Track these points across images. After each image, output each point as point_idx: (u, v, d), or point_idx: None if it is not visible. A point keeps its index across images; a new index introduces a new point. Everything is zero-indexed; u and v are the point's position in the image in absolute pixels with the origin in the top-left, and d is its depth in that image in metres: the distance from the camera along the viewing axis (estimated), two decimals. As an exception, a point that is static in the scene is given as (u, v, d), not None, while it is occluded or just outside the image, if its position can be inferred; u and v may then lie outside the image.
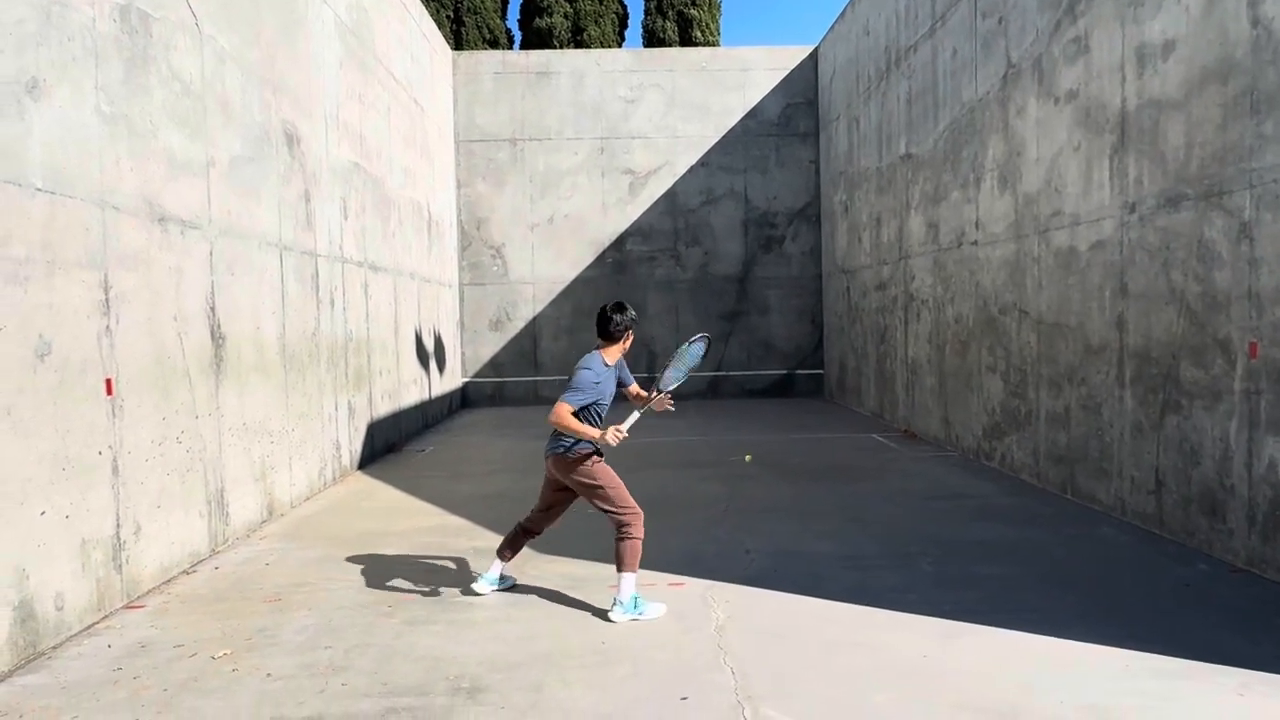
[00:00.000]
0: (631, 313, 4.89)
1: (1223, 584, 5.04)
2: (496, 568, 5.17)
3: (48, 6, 4.51)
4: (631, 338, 4.93)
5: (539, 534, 5.18)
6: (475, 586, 5.14)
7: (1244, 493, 5.27)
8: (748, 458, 6.88)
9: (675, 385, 4.94)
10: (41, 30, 4.46)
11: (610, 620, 4.62)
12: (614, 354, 4.87)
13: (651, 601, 4.76)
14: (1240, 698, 3.61)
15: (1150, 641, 4.18)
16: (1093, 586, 5.05)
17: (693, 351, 5.01)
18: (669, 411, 4.97)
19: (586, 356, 4.85)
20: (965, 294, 9.39)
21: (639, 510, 4.76)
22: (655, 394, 4.87)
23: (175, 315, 5.69)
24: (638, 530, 4.72)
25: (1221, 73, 5.41)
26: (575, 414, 4.64)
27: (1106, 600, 4.81)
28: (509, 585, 5.21)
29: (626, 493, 4.77)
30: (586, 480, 4.75)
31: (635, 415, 4.82)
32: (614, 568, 4.75)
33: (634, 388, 4.99)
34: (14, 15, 4.26)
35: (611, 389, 4.85)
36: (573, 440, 4.71)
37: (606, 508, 4.75)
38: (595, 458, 4.76)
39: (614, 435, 4.56)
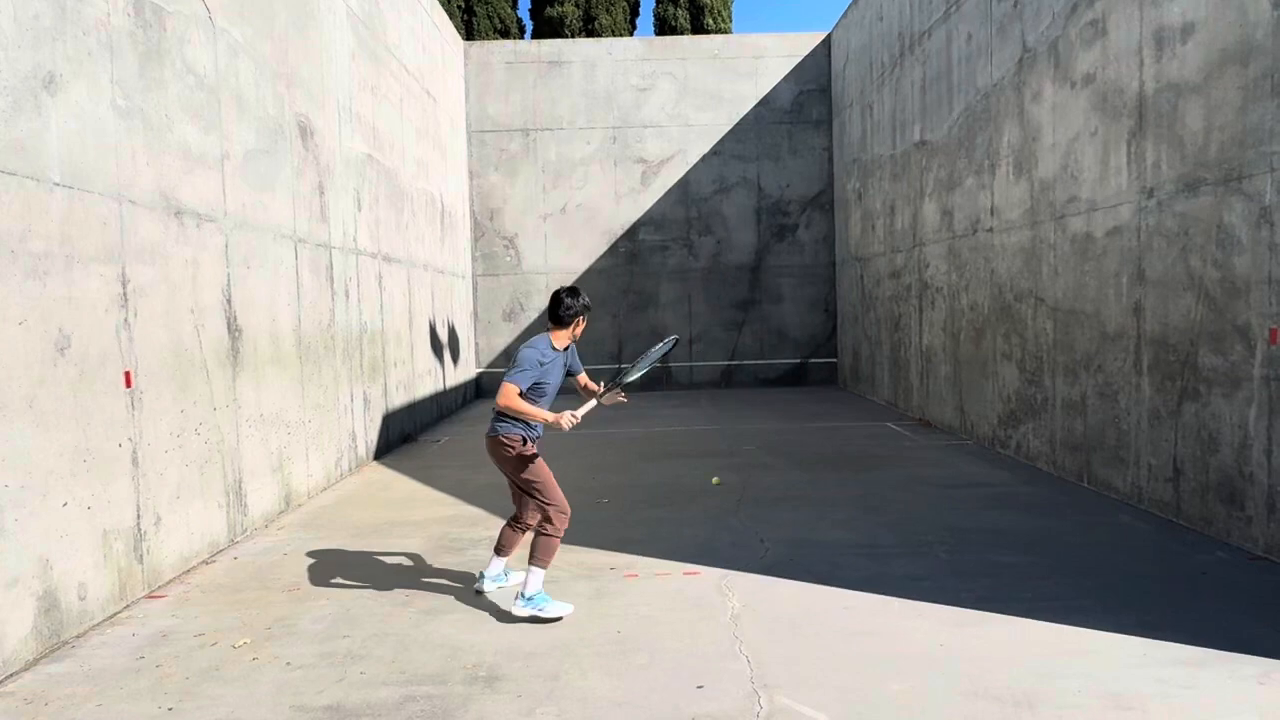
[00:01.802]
0: (585, 299, 4.79)
1: (1241, 572, 5.01)
2: (497, 564, 5.02)
3: (63, 1, 4.54)
4: (583, 325, 4.81)
5: (526, 524, 4.95)
6: (480, 586, 5.00)
7: (1263, 480, 5.23)
8: (715, 481, 7.22)
9: (632, 379, 4.83)
10: (57, 25, 4.49)
11: (513, 614, 4.50)
12: (563, 339, 4.75)
13: (557, 601, 4.63)
14: (1260, 686, 3.59)
15: (1168, 630, 4.17)
16: (1110, 575, 5.03)
17: (656, 349, 4.95)
18: (621, 404, 4.91)
19: (534, 338, 4.76)
20: (980, 281, 9.33)
21: (568, 509, 4.67)
22: (607, 387, 4.79)
23: (192, 308, 5.73)
24: (560, 527, 4.61)
25: (1242, 55, 5.34)
26: (521, 395, 4.56)
27: (1124, 588, 4.80)
28: (507, 582, 5.08)
29: (557, 487, 4.67)
30: (515, 466, 4.62)
31: (590, 404, 4.77)
32: (523, 561, 4.56)
33: (584, 377, 4.91)
34: (30, 10, 4.29)
35: (559, 375, 4.76)
36: (508, 422, 4.60)
37: (538, 497, 4.63)
38: (529, 444, 4.64)
39: (569, 419, 4.50)
